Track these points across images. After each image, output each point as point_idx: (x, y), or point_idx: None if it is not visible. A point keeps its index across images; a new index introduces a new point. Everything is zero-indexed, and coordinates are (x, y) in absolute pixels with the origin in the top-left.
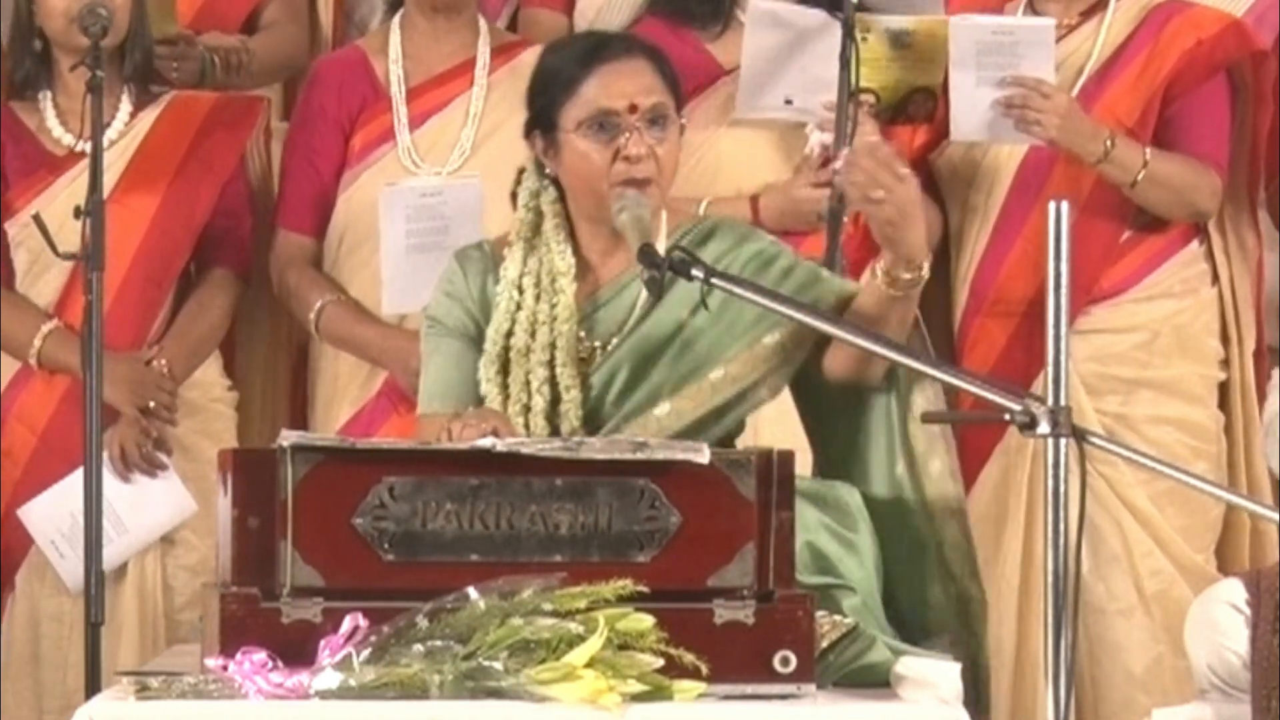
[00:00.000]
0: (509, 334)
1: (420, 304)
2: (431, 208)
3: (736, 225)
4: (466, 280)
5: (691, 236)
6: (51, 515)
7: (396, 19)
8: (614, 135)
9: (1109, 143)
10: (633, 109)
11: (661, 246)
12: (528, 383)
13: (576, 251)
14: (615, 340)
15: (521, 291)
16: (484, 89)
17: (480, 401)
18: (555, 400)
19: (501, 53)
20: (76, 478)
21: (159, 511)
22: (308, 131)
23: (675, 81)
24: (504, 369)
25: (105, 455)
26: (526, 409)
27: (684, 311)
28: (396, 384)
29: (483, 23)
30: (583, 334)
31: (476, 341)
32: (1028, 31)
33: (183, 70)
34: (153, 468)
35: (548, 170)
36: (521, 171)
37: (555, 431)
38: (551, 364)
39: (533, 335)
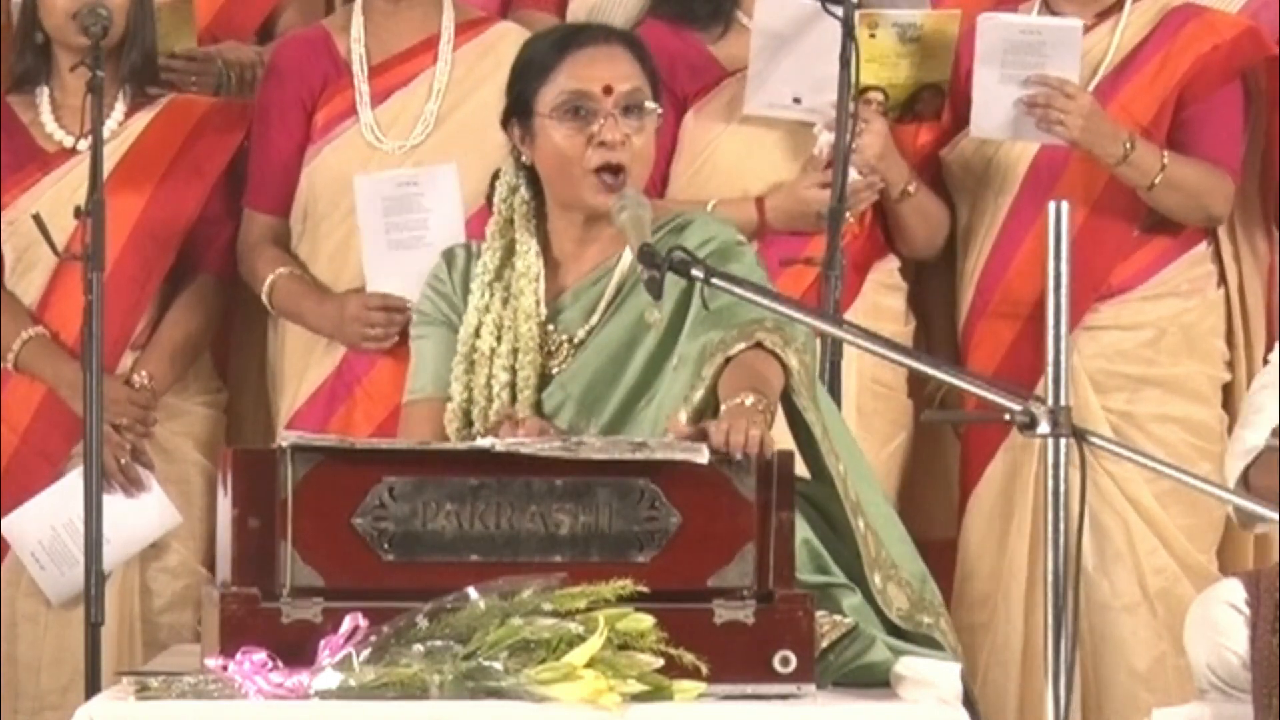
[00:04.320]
0: (476, 333)
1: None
2: (409, 199)
3: (708, 220)
4: (450, 276)
5: (667, 229)
6: (32, 528)
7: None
8: (589, 120)
9: (1129, 145)
10: (607, 90)
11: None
12: (488, 385)
13: (549, 246)
14: (582, 334)
15: (491, 294)
16: (448, 64)
17: None
18: (517, 401)
19: (468, 28)
20: (58, 489)
21: (142, 523)
22: (271, 111)
23: (654, 72)
24: (470, 369)
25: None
26: (485, 412)
27: (649, 307)
28: (352, 366)
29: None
30: (551, 328)
31: (459, 332)
32: (1054, 32)
33: (200, 84)
34: (131, 484)
35: (524, 158)
36: (496, 173)
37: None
38: (513, 367)
39: (498, 338)
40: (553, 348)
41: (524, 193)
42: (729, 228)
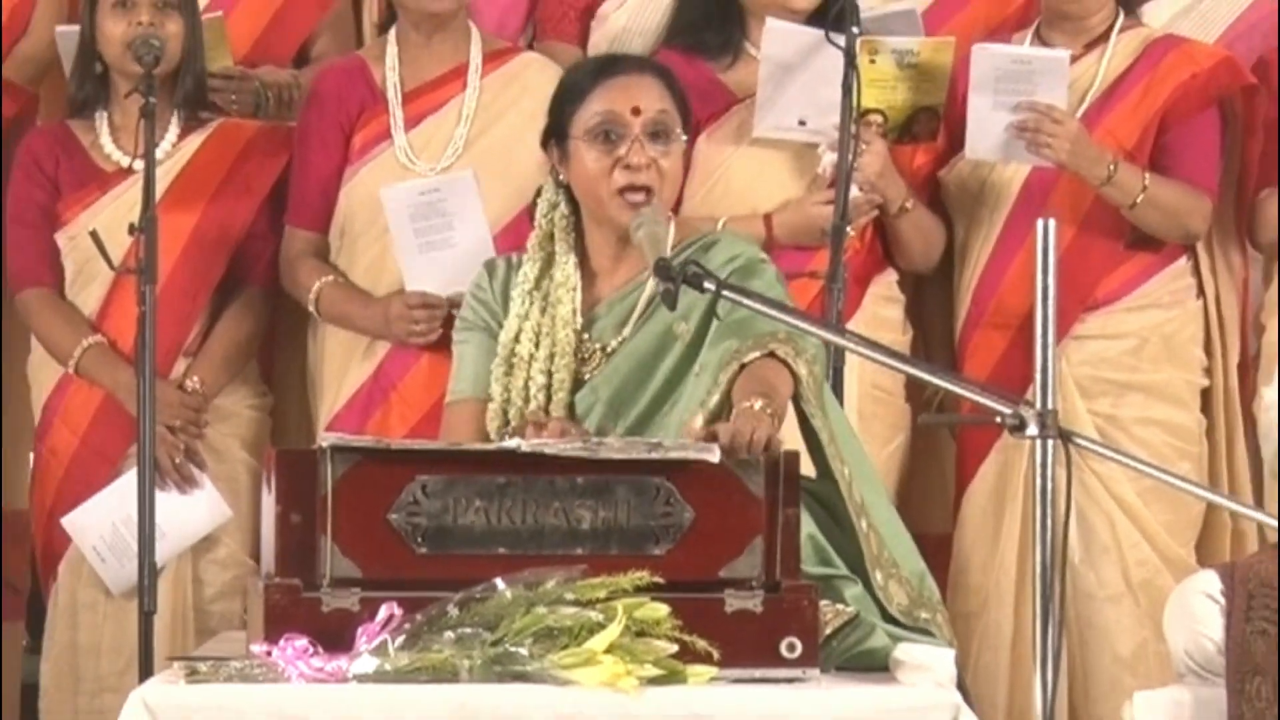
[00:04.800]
0: (515, 339)
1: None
2: (432, 205)
3: (735, 238)
4: (491, 285)
5: (695, 247)
6: (92, 523)
7: (393, 31)
8: (617, 144)
9: (1113, 167)
10: (636, 111)
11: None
12: (526, 387)
13: (586, 259)
14: (614, 343)
15: (531, 302)
16: (476, 91)
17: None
18: (551, 403)
19: (494, 58)
20: (116, 488)
21: (195, 518)
22: (312, 134)
23: (684, 100)
24: (509, 372)
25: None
26: (522, 412)
27: (678, 320)
28: (387, 372)
29: (475, 30)
30: (585, 336)
31: (498, 338)
32: (1044, 62)
33: (239, 103)
34: (185, 482)
35: (561, 178)
36: (540, 190)
37: None
38: (549, 371)
39: (536, 344)
40: (586, 354)
41: (563, 208)
42: (753, 246)
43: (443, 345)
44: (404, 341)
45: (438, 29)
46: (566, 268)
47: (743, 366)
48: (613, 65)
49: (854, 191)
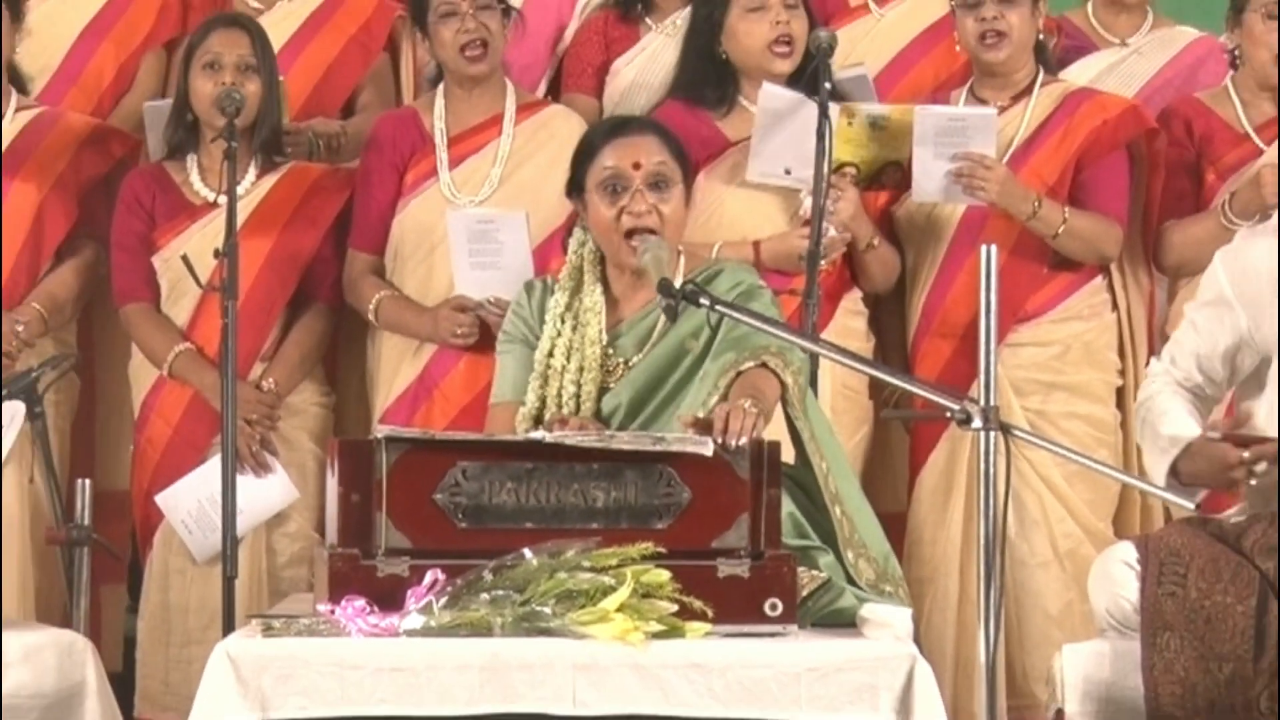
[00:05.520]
0: (550, 354)
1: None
2: (486, 232)
3: (738, 267)
4: (529, 304)
5: (704, 274)
6: (182, 501)
7: (441, 85)
8: (621, 195)
9: (1037, 204)
10: (637, 165)
11: (679, 282)
12: (559, 394)
13: (609, 287)
14: (636, 358)
15: (563, 323)
16: (510, 137)
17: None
18: (580, 409)
19: (526, 109)
20: (202, 472)
21: (269, 497)
22: (372, 172)
23: (682, 155)
24: (544, 382)
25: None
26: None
27: (689, 337)
28: (431, 373)
29: (510, 86)
30: (610, 351)
31: (534, 349)
32: (976, 119)
33: (295, 150)
34: (261, 467)
35: (584, 222)
36: (572, 228)
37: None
38: (579, 381)
39: (568, 358)
40: (610, 367)
41: (590, 246)
42: (753, 274)
43: (478, 350)
44: (449, 343)
45: (477, 85)
46: (594, 295)
47: (739, 374)
48: (620, 127)
49: (830, 231)
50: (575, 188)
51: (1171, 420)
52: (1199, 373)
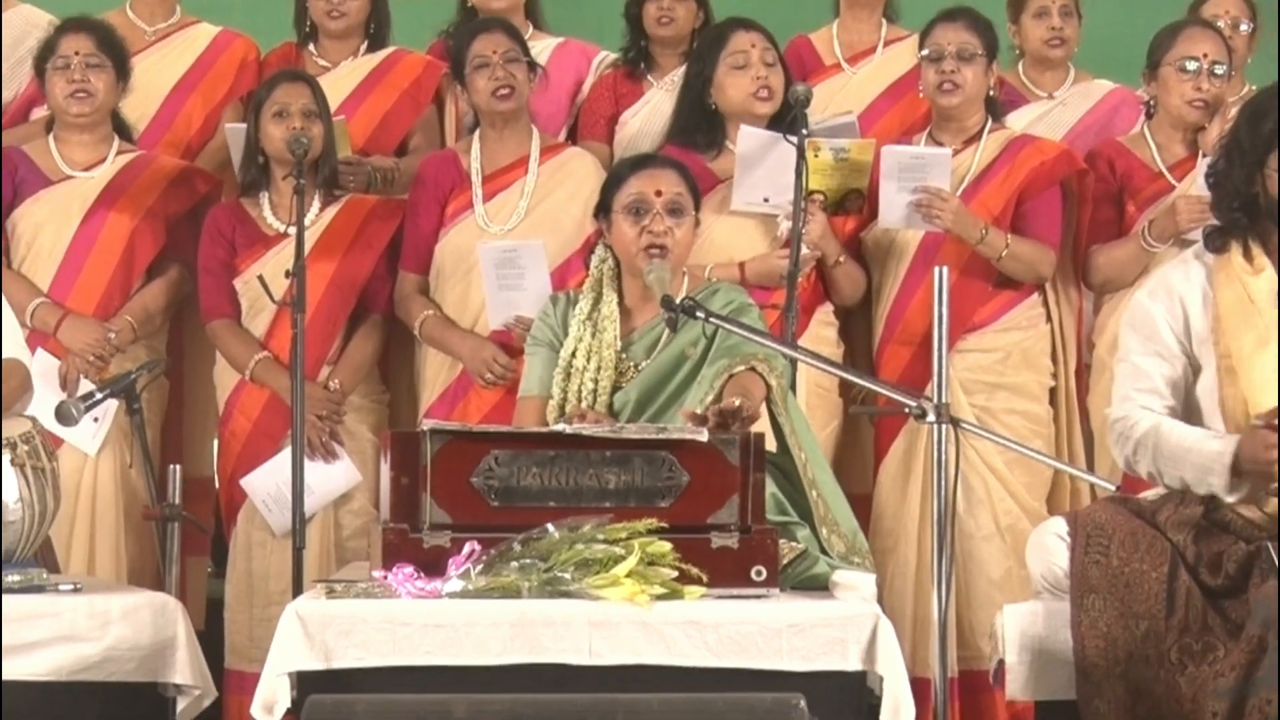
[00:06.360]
0: (573, 355)
1: (508, 319)
2: (510, 260)
3: (731, 288)
4: (555, 312)
5: (703, 293)
6: (262, 484)
7: (477, 132)
8: (643, 217)
9: (984, 231)
10: (658, 193)
11: (680, 298)
12: (579, 389)
13: (623, 300)
14: (645, 362)
15: (584, 328)
16: (535, 175)
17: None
18: (596, 402)
19: (549, 151)
20: (278, 459)
21: (335, 481)
22: (419, 204)
23: (695, 190)
24: (567, 379)
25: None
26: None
27: (689, 346)
28: (467, 377)
29: (535, 131)
30: (623, 355)
31: (559, 351)
32: (933, 157)
33: (355, 182)
34: (328, 455)
35: (607, 241)
36: (594, 245)
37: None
38: (596, 379)
39: (587, 359)
40: (623, 368)
41: (610, 262)
42: (744, 294)
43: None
44: (477, 374)
45: (506, 125)
46: (611, 305)
47: (731, 377)
48: (645, 161)
49: (804, 250)
50: (603, 209)
51: (1197, 435)
52: (1172, 397)
